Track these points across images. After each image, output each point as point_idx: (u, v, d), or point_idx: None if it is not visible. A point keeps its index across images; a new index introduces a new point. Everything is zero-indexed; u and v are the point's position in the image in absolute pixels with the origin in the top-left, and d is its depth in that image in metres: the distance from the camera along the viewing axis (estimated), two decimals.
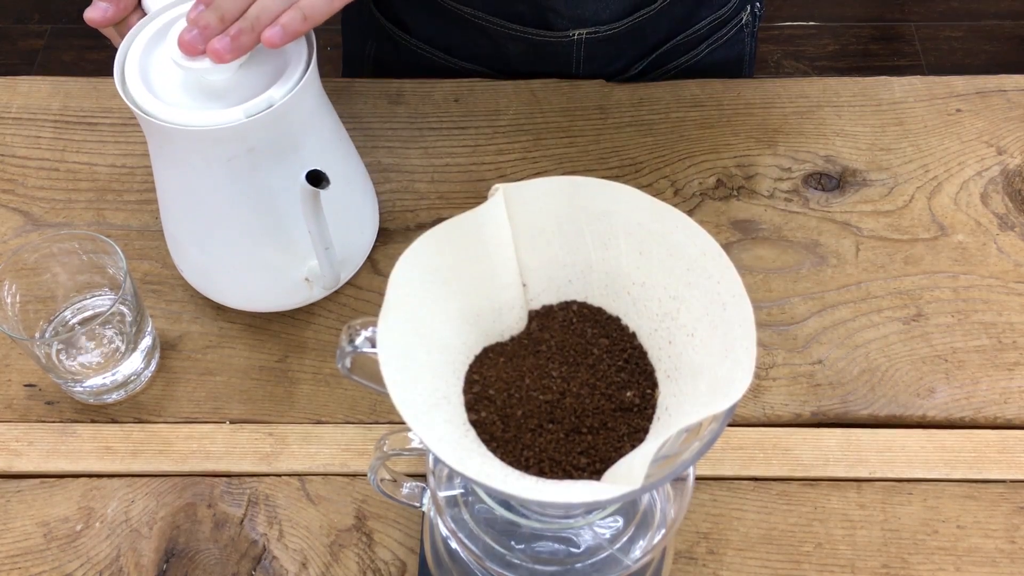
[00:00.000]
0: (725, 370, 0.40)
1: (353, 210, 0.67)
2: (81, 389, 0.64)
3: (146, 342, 0.65)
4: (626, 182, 0.56)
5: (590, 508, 0.46)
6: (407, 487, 0.56)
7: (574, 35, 0.80)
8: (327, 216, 0.59)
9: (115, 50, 0.58)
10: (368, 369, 0.46)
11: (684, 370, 0.43)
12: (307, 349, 0.67)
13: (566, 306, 0.46)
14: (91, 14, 0.59)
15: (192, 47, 0.54)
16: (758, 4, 0.89)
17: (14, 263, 0.62)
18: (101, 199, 0.74)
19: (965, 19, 1.97)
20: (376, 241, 0.70)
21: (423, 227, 0.72)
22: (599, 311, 0.46)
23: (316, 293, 0.66)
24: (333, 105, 0.64)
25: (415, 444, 0.49)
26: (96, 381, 0.63)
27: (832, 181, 0.74)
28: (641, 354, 0.44)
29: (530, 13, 0.79)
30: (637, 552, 0.48)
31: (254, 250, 0.62)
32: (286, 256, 0.63)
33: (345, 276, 0.67)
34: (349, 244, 0.66)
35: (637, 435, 0.42)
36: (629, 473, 0.38)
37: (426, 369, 0.42)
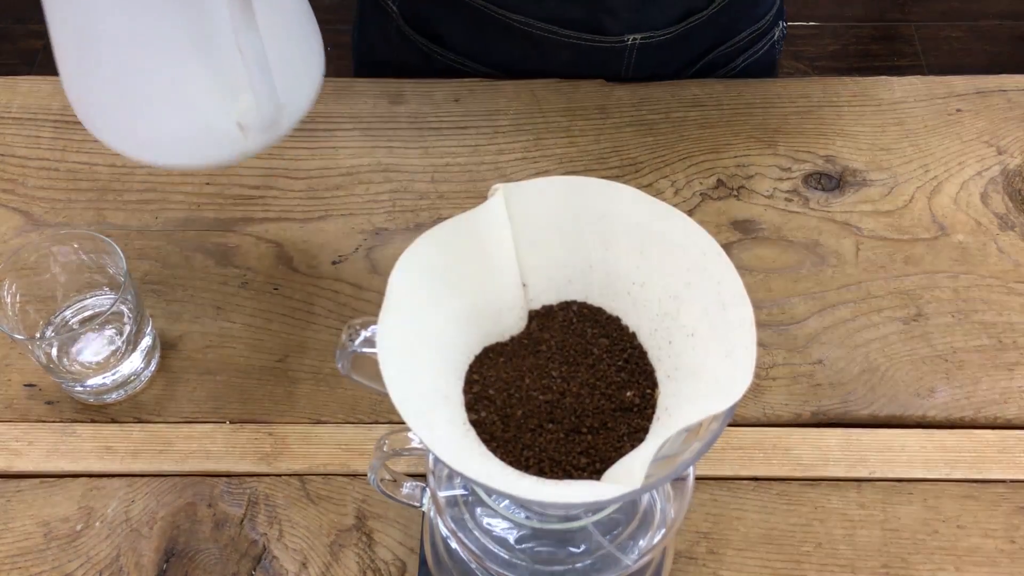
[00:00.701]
0: (725, 370, 0.40)
1: (292, 34, 0.55)
2: (81, 389, 0.64)
3: (146, 342, 0.65)
4: (626, 182, 0.56)
5: (590, 508, 0.46)
6: (407, 487, 0.56)
7: (628, 40, 0.79)
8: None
9: None
10: (368, 369, 0.46)
11: (684, 370, 0.43)
12: (307, 349, 0.67)
13: (566, 306, 0.46)
14: None
15: None
16: (783, 23, 0.90)
17: (14, 263, 0.62)
18: (101, 199, 0.74)
19: (965, 19, 1.97)
20: (376, 241, 0.70)
21: (423, 227, 0.72)
22: (599, 311, 0.46)
23: (251, 144, 0.54)
24: (333, 104, 0.63)
25: (415, 444, 0.49)
26: (96, 381, 0.63)
27: (832, 181, 0.74)
28: (641, 354, 0.44)
29: (585, 17, 0.78)
30: (637, 552, 0.48)
31: (173, 84, 0.52)
32: (212, 92, 0.52)
33: (287, 120, 0.55)
34: (289, 78, 0.54)
35: (637, 435, 0.42)
36: (629, 473, 0.38)
37: (426, 369, 0.42)
